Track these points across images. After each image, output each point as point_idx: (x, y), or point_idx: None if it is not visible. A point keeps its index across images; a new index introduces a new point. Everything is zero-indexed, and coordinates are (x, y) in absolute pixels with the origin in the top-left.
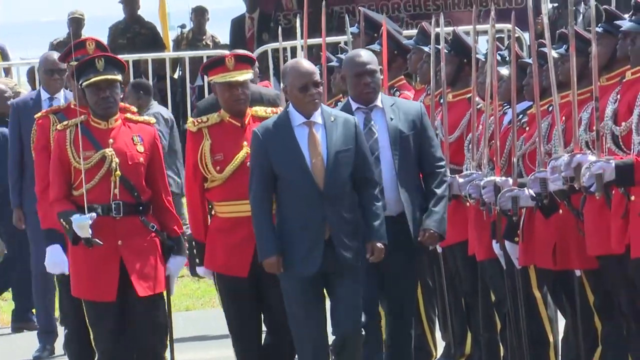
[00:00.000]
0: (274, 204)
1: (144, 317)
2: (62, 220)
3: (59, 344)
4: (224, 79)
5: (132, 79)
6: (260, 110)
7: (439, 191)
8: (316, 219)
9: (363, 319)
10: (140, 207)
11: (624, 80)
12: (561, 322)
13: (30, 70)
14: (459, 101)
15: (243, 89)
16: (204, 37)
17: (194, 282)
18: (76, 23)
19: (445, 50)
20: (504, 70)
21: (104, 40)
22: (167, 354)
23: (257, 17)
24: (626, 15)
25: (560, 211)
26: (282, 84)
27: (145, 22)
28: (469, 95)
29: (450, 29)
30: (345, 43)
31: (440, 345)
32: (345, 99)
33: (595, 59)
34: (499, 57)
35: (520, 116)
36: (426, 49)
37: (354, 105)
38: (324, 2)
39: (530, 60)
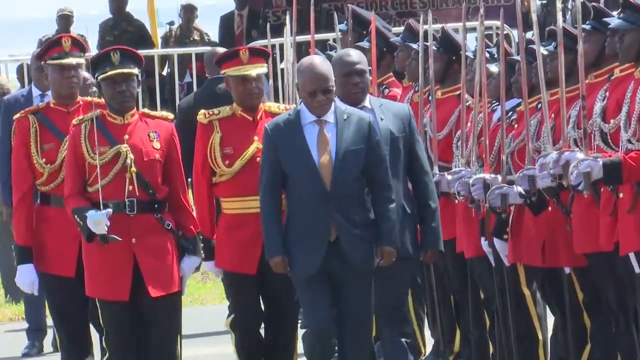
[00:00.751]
0: (284, 201)
1: (159, 317)
2: (76, 216)
3: (47, 342)
4: (237, 72)
5: None
6: (273, 106)
7: (432, 203)
8: (321, 220)
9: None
10: (156, 205)
11: (613, 78)
12: (550, 320)
13: (19, 68)
14: (447, 98)
15: (257, 83)
16: (192, 34)
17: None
18: (65, 20)
19: (434, 48)
20: (493, 68)
21: (95, 37)
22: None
23: (246, 14)
24: (614, 13)
25: (549, 208)
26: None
27: (134, 20)
28: (457, 93)
29: (438, 26)
30: (334, 40)
31: (430, 342)
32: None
33: (581, 57)
34: (487, 55)
35: (510, 113)
36: (414, 46)
37: None
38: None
39: (519, 58)
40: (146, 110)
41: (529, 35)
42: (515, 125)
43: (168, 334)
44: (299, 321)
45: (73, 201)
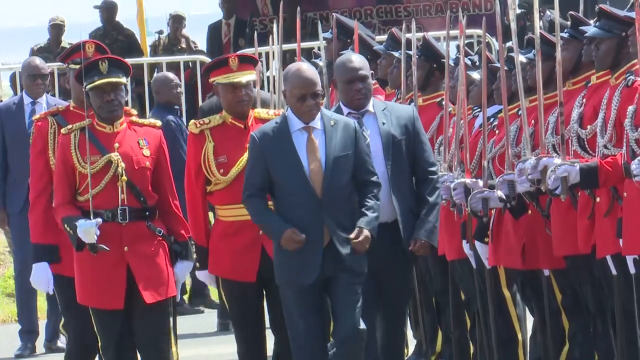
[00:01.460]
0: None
1: (152, 322)
2: (66, 225)
3: (39, 343)
4: (227, 79)
5: None
6: (262, 112)
7: (431, 199)
8: (315, 226)
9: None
10: (147, 213)
11: (590, 85)
12: (530, 321)
13: (12, 76)
14: (429, 105)
15: (246, 90)
16: (180, 43)
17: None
18: (57, 29)
19: (416, 56)
20: (475, 75)
21: None
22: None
23: (233, 23)
24: (591, 21)
25: (529, 212)
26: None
27: (124, 29)
28: (438, 99)
29: (420, 34)
30: (319, 48)
31: (412, 343)
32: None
33: (559, 65)
34: (468, 62)
35: (491, 120)
36: (396, 54)
37: (345, 111)
38: (298, 8)
39: (498, 65)
40: (134, 118)
41: (509, 43)
42: (497, 131)
43: (161, 339)
44: None
45: (63, 210)
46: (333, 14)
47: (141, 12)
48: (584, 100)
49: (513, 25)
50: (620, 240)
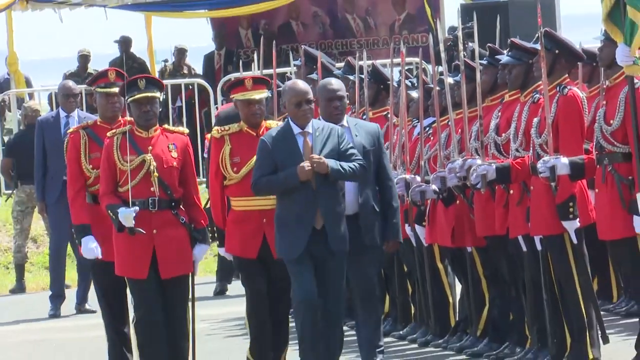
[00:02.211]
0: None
1: (175, 293)
2: (109, 211)
3: (65, 307)
4: (243, 97)
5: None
6: (272, 123)
7: (394, 203)
8: (309, 212)
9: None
10: (173, 203)
11: (504, 101)
12: (458, 287)
13: (49, 96)
14: (377, 117)
15: (259, 106)
16: (182, 69)
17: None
18: (84, 59)
19: (367, 79)
20: (414, 94)
21: None
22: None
23: (223, 53)
24: (505, 51)
25: (457, 202)
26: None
27: (137, 58)
28: (385, 113)
29: (370, 62)
30: (291, 73)
31: None
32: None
33: (479, 86)
34: (409, 84)
35: (427, 129)
36: (351, 77)
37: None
38: (274, 42)
39: (432, 86)
40: (166, 126)
41: (440, 68)
42: (431, 138)
43: (181, 302)
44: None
45: (107, 199)
46: (301, 46)
47: (151, 45)
48: (500, 113)
49: (443, 55)
50: (529, 224)
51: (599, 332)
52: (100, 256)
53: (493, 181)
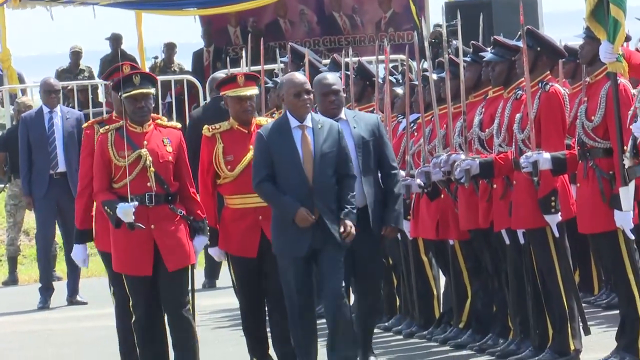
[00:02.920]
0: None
1: (175, 286)
2: (106, 207)
3: (55, 298)
4: (235, 93)
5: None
6: (263, 120)
7: (395, 190)
8: (307, 208)
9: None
10: (170, 197)
11: (487, 98)
12: (442, 280)
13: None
14: None
15: (250, 102)
16: (172, 66)
17: None
18: (76, 55)
19: (353, 75)
20: (399, 90)
21: (97, 68)
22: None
23: (212, 50)
24: (488, 49)
25: (442, 196)
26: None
27: (128, 55)
28: (371, 109)
29: (356, 59)
30: (279, 70)
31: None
32: (281, 112)
33: (463, 83)
34: (393, 80)
35: (412, 124)
36: (337, 74)
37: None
38: (262, 39)
39: (417, 82)
40: (159, 121)
41: (425, 65)
42: (416, 134)
43: (182, 297)
44: None
45: (102, 195)
46: (289, 43)
47: (141, 42)
48: (483, 109)
49: (428, 52)
50: (512, 218)
51: (581, 324)
52: (86, 267)
53: (477, 176)
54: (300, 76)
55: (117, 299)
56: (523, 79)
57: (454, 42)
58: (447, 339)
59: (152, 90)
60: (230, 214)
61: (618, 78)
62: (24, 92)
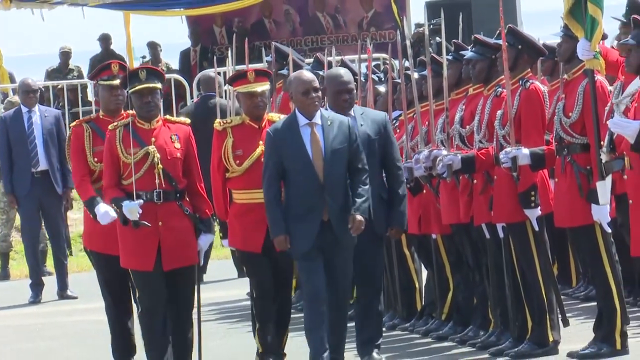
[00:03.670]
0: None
1: (180, 282)
2: (114, 205)
3: (47, 292)
4: (246, 89)
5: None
6: (275, 116)
7: (400, 191)
8: (317, 204)
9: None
10: (177, 194)
11: (468, 95)
12: (424, 274)
13: None
14: None
15: (262, 98)
16: (160, 65)
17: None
18: (65, 55)
19: None
20: (381, 88)
21: (86, 67)
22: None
23: (199, 49)
24: (469, 47)
25: (424, 191)
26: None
27: (117, 55)
28: None
29: (339, 57)
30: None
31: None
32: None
33: (445, 80)
34: (376, 78)
35: (394, 121)
36: (320, 72)
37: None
38: (246, 39)
39: (400, 80)
40: (168, 117)
41: (407, 63)
42: (398, 130)
43: (187, 293)
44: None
45: (110, 192)
46: (273, 42)
47: (129, 42)
48: (464, 106)
49: (410, 50)
50: (492, 212)
51: (559, 316)
52: (116, 217)
53: (458, 171)
54: (308, 74)
55: (107, 303)
56: (503, 77)
57: (437, 39)
58: (429, 330)
59: (159, 85)
60: (237, 209)
61: (595, 75)
62: (14, 91)
